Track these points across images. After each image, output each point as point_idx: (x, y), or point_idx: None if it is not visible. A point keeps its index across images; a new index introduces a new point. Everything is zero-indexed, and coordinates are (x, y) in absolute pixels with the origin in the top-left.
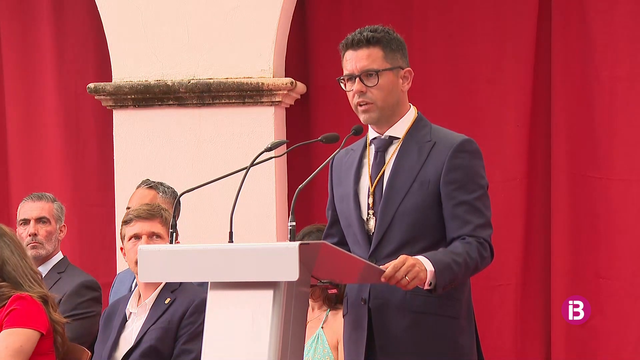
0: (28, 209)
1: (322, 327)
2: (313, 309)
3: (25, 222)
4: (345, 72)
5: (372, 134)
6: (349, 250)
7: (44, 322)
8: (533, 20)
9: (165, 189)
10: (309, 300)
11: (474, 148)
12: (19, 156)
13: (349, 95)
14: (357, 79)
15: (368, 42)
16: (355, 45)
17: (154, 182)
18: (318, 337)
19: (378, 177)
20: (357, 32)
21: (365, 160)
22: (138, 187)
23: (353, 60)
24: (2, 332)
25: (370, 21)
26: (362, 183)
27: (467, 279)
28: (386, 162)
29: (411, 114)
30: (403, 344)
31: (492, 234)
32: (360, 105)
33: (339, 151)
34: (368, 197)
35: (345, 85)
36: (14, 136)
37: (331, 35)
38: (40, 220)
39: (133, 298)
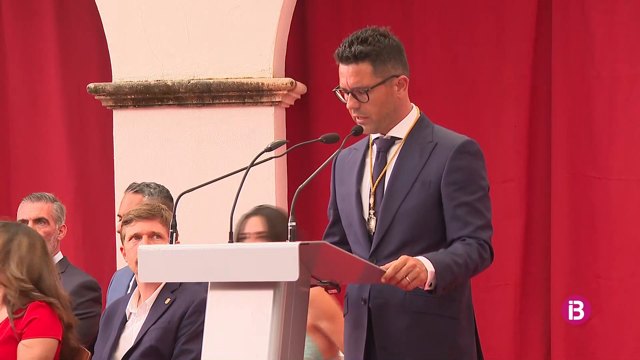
0: (26, 209)
1: None
2: None
3: (24, 222)
4: (340, 84)
5: (374, 134)
6: (350, 250)
7: (60, 329)
8: (532, 20)
9: (152, 190)
10: None
11: (475, 149)
12: (21, 156)
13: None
14: (350, 94)
15: (356, 58)
16: (345, 60)
17: (140, 185)
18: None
19: (379, 177)
20: (346, 45)
21: (368, 160)
22: (125, 192)
23: (344, 76)
24: (25, 341)
25: (371, 21)
26: (364, 183)
27: (467, 280)
28: (388, 162)
29: (413, 114)
30: (403, 344)
31: (492, 234)
32: (357, 119)
33: (340, 151)
34: (369, 197)
35: (342, 96)
36: (16, 136)
37: (331, 35)
38: (38, 221)
39: (133, 298)
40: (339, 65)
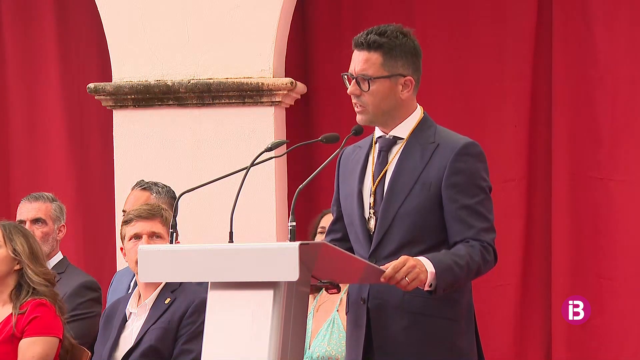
0: (24, 210)
1: (337, 310)
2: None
3: (22, 223)
4: (349, 69)
5: (377, 132)
6: (352, 248)
7: (61, 327)
8: (533, 20)
9: (160, 189)
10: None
11: (477, 151)
12: (21, 156)
13: None
14: (354, 80)
15: (369, 46)
16: (359, 46)
17: (148, 182)
18: (333, 321)
19: (380, 176)
20: (364, 33)
21: (370, 159)
22: (133, 188)
23: (354, 61)
24: (26, 339)
25: (371, 22)
26: (365, 182)
27: (468, 281)
28: (389, 162)
29: (417, 114)
30: (400, 344)
31: (496, 237)
32: (356, 106)
33: (341, 150)
34: (370, 197)
35: (349, 82)
36: (17, 136)
37: (331, 35)
38: (35, 221)
39: (133, 298)
40: (353, 52)
